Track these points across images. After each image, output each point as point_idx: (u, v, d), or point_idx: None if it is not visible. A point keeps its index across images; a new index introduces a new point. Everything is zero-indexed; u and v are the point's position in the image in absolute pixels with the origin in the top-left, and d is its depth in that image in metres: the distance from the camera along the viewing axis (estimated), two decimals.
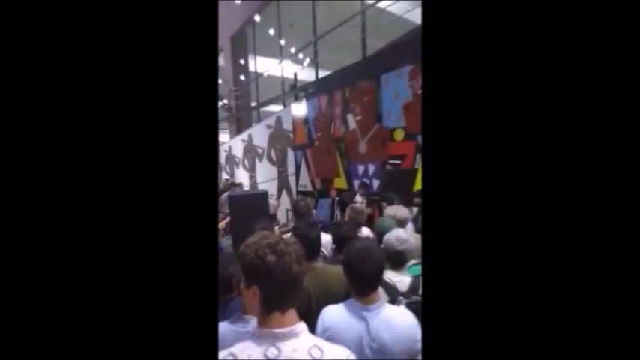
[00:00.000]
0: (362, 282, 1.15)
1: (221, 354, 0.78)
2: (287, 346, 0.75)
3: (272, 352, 0.74)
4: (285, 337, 0.76)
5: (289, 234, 2.08)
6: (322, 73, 6.38)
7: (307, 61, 6.72)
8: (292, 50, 7.21)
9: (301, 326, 0.79)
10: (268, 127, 7.23)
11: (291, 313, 0.79)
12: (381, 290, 1.22)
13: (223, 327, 1.11)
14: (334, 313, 1.16)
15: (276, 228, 3.07)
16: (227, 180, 8.15)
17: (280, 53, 7.51)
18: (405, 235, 1.61)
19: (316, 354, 0.75)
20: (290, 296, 0.78)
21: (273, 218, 2.82)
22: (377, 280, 1.18)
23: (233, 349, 0.76)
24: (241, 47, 9.15)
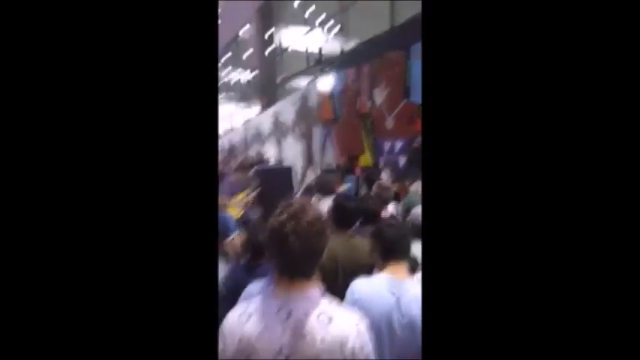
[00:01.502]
0: (389, 248, 1.19)
1: (240, 306, 0.83)
2: (299, 310, 0.79)
3: (284, 313, 0.78)
4: (296, 301, 0.79)
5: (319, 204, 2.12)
6: (349, 45, 6.16)
7: (335, 30, 6.49)
8: (320, 19, 6.98)
9: (315, 292, 0.82)
10: (294, 102, 7.19)
11: (308, 280, 0.82)
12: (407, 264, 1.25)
13: (254, 286, 1.18)
14: (364, 286, 1.17)
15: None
16: (252, 156, 8.27)
17: (306, 23, 7.30)
18: None
19: (324, 319, 0.78)
20: (308, 265, 0.81)
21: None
22: (405, 248, 1.22)
23: (251, 308, 0.81)
24: (268, 19, 8.98)
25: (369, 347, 0.81)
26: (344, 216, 1.65)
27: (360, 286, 1.18)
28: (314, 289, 0.83)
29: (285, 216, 0.80)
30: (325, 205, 1.99)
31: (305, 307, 0.79)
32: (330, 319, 0.79)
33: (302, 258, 0.80)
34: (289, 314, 0.78)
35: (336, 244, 1.53)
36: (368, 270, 1.29)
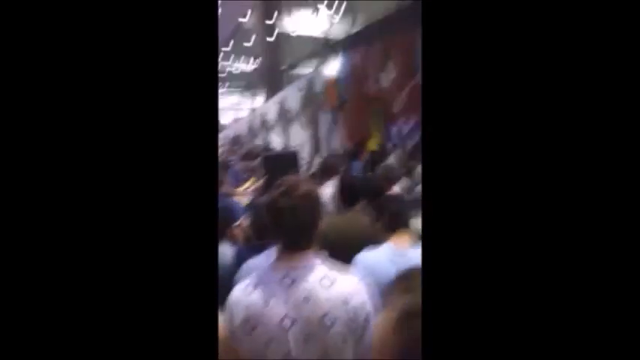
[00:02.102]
0: (390, 220, 1.25)
1: (243, 280, 0.87)
2: (301, 278, 0.82)
3: (287, 280, 0.82)
4: (298, 270, 0.83)
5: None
6: (356, 28, 6.02)
7: (341, 11, 6.35)
8: (324, 3, 6.83)
9: (316, 260, 0.86)
10: (300, 89, 7.11)
11: (307, 252, 0.85)
12: (411, 234, 1.29)
13: (253, 261, 1.24)
14: (368, 258, 1.21)
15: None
16: (258, 145, 8.28)
17: (312, 6, 7.16)
18: None
19: (327, 283, 0.82)
20: (305, 237, 0.85)
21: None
22: (402, 219, 1.28)
23: (255, 278, 0.85)
24: (269, 5, 8.84)
25: (369, 304, 0.84)
26: (349, 193, 1.72)
27: (364, 257, 1.22)
28: (314, 258, 0.86)
29: (278, 192, 0.85)
30: (329, 188, 2.05)
31: (307, 274, 0.82)
32: (333, 282, 0.82)
33: (298, 230, 0.84)
34: (293, 282, 0.81)
35: (341, 219, 1.63)
36: (373, 243, 1.32)
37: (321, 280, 0.82)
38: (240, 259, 1.48)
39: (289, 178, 0.90)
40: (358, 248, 1.28)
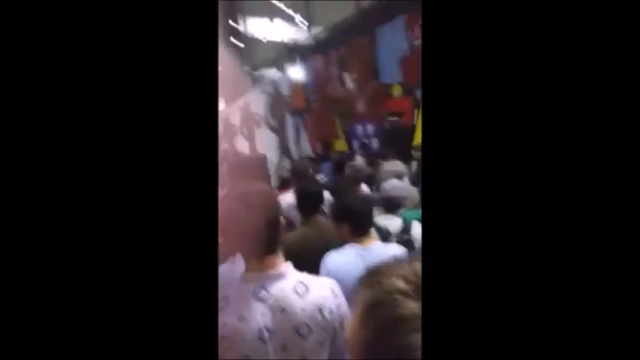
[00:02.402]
0: (355, 223, 1.25)
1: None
2: (274, 287, 0.80)
3: (262, 293, 0.80)
4: (270, 279, 0.81)
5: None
6: (316, 31, 6.09)
7: (298, 17, 6.40)
8: (283, 7, 6.85)
9: (286, 267, 0.84)
10: (265, 92, 7.07)
11: (275, 257, 0.84)
12: (374, 233, 1.32)
13: (223, 269, 1.16)
14: (335, 257, 1.22)
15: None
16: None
17: (272, 13, 7.15)
18: (399, 184, 1.76)
19: (301, 290, 0.81)
20: (268, 238, 0.82)
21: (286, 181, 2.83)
22: (368, 220, 1.28)
23: (226, 293, 0.81)
24: (232, 9, 8.72)
25: (345, 306, 0.84)
26: (308, 200, 1.63)
27: (331, 258, 1.23)
28: (285, 264, 0.84)
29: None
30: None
31: (279, 282, 0.81)
32: (307, 288, 0.82)
33: (259, 234, 0.82)
34: (266, 291, 0.80)
35: (305, 231, 1.56)
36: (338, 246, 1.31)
37: (295, 287, 0.81)
38: None
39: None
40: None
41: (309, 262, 1.38)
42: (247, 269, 0.84)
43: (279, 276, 0.81)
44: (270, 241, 0.84)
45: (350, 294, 1.02)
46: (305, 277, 0.84)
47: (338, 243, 1.43)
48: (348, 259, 1.20)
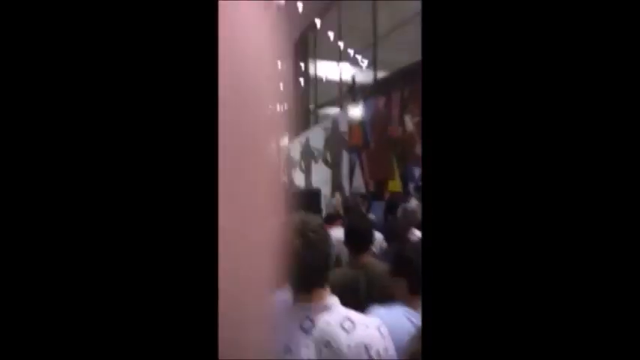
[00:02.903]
0: (415, 280, 1.10)
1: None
2: (320, 319, 0.80)
3: (307, 324, 0.80)
4: (317, 311, 0.81)
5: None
6: (381, 75, 6.29)
7: (366, 62, 6.69)
8: (351, 52, 7.24)
9: (333, 300, 0.84)
10: (325, 129, 7.35)
11: (323, 291, 0.85)
12: None
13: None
14: (385, 319, 1.05)
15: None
16: (283, 181, 8.43)
17: (339, 56, 7.60)
18: None
19: (348, 326, 0.80)
20: (319, 273, 0.84)
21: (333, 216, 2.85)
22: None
23: (273, 322, 0.82)
24: (303, 51, 9.47)
25: (392, 351, 0.82)
26: (357, 237, 1.59)
27: (380, 316, 1.08)
28: (332, 297, 0.85)
29: (290, 230, 0.84)
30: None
31: (326, 315, 0.81)
32: (354, 325, 0.80)
33: (312, 266, 0.83)
34: (313, 324, 0.80)
35: (351, 271, 1.49)
36: (387, 295, 1.22)
37: (342, 322, 0.80)
38: None
39: (297, 216, 0.90)
40: (374, 297, 1.20)
41: (350, 304, 1.32)
42: (295, 300, 0.85)
43: (326, 308, 0.81)
44: (320, 274, 0.85)
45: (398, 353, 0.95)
46: (352, 313, 0.83)
47: (384, 292, 1.36)
48: (396, 321, 1.07)
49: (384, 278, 1.38)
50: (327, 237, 0.89)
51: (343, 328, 0.79)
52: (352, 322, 0.81)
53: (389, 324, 1.03)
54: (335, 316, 0.81)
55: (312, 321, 0.80)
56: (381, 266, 1.51)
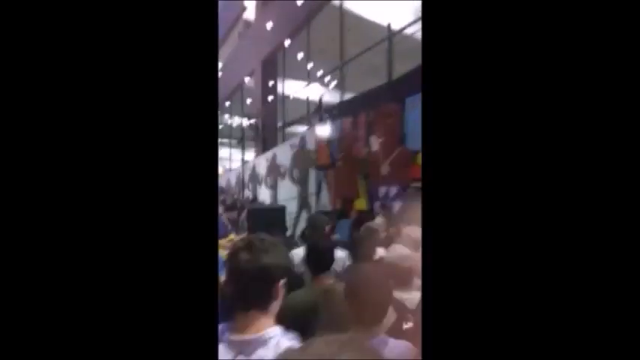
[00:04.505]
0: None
1: None
2: (255, 354, 0.73)
3: None
4: (252, 345, 0.74)
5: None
6: (348, 97, 6.47)
7: (333, 84, 6.87)
8: (319, 73, 7.42)
9: (272, 331, 0.76)
10: (292, 146, 7.35)
11: (264, 319, 0.77)
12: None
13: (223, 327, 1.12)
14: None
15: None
16: (248, 197, 8.26)
17: (308, 76, 7.75)
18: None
19: None
20: (262, 291, 0.77)
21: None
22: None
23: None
24: (271, 70, 9.54)
25: None
26: (316, 258, 1.56)
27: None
28: (272, 329, 0.78)
29: (239, 246, 0.80)
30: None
31: (262, 351, 0.74)
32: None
33: (254, 278, 0.75)
34: None
35: (314, 293, 1.44)
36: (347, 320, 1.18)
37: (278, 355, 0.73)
38: None
39: (255, 235, 0.84)
40: (330, 330, 1.17)
41: (305, 328, 1.25)
42: (230, 330, 0.77)
43: (260, 342, 0.74)
44: (264, 295, 0.77)
45: None
46: (295, 344, 0.75)
47: (341, 317, 1.31)
48: None
49: (342, 303, 1.34)
50: (274, 250, 0.79)
51: None
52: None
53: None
54: (272, 350, 0.74)
55: (245, 356, 0.73)
56: (341, 288, 1.47)
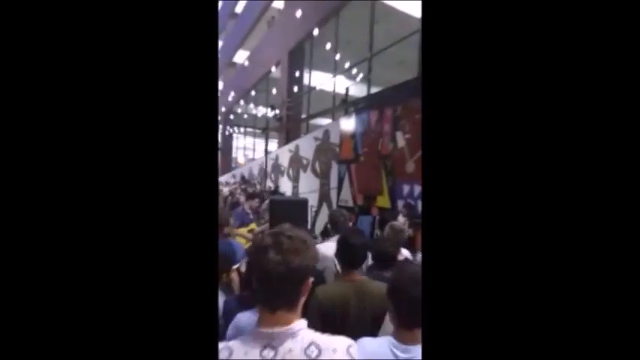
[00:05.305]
0: (412, 311, 0.99)
1: (220, 344, 0.78)
2: (283, 347, 0.74)
3: (268, 352, 0.74)
4: (280, 337, 0.75)
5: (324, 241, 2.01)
6: (375, 90, 6.35)
7: (360, 76, 6.75)
8: (346, 65, 7.30)
9: (299, 325, 0.77)
10: (316, 139, 7.33)
11: (291, 313, 0.78)
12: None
13: (243, 316, 1.15)
14: (368, 349, 1.00)
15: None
16: (270, 187, 8.35)
17: (335, 68, 7.65)
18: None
19: (312, 353, 0.74)
20: (289, 290, 0.77)
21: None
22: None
23: (231, 344, 0.76)
24: (298, 60, 9.50)
25: None
26: (349, 252, 1.54)
27: (364, 347, 1.01)
28: (299, 322, 0.78)
29: (267, 241, 0.77)
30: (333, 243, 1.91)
31: (289, 344, 0.75)
32: (320, 351, 0.75)
33: (283, 280, 0.74)
34: (275, 352, 0.74)
35: (345, 288, 1.42)
36: (379, 317, 1.17)
37: (307, 349, 0.74)
38: (227, 312, 1.38)
39: (284, 227, 0.81)
40: (360, 327, 1.12)
41: (334, 324, 1.24)
42: (258, 322, 0.78)
43: (289, 335, 0.75)
44: (291, 294, 0.77)
45: None
46: (320, 337, 0.77)
47: (375, 313, 1.27)
48: (380, 351, 0.99)
49: (375, 299, 1.33)
50: (304, 249, 0.77)
51: (308, 355, 0.74)
52: (318, 347, 0.75)
53: (370, 352, 0.99)
54: (300, 342, 0.75)
55: (274, 349, 0.74)
56: (373, 285, 1.46)
